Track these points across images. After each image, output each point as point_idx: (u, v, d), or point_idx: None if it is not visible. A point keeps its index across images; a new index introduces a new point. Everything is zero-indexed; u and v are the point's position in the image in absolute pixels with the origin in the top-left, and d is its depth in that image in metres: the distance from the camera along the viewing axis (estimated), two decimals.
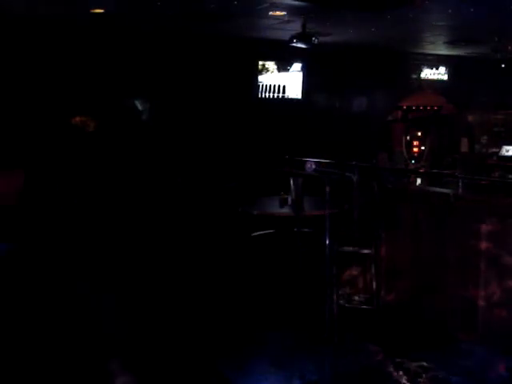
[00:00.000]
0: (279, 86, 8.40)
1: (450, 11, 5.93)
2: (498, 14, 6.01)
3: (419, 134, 10.18)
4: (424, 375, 3.76)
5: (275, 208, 5.35)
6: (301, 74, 8.50)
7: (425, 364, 3.91)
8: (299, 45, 6.75)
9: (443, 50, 9.28)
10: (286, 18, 6.31)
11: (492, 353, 4.06)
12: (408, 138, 10.13)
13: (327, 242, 3.82)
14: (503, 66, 9.44)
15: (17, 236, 6.03)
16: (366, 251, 4.74)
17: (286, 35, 6.83)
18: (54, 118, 6.74)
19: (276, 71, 8.32)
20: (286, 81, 8.43)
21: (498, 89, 9.94)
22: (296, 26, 6.68)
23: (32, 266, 5.67)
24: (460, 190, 4.64)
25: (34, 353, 4.03)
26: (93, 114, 7.08)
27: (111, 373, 3.83)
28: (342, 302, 4.82)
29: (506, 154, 9.68)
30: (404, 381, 3.70)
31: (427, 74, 10.10)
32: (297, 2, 5.50)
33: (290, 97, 8.51)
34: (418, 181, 7.68)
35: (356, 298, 4.87)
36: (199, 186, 7.30)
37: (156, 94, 7.52)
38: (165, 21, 6.64)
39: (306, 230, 5.36)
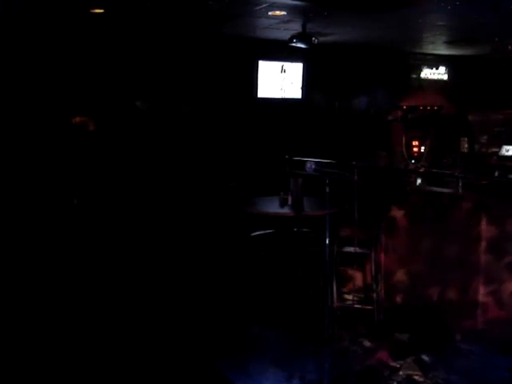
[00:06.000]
0: (279, 85, 8.40)
1: (449, 10, 5.92)
2: (498, 14, 6.00)
3: (419, 134, 10.16)
4: (424, 375, 3.77)
5: (275, 208, 5.34)
6: (301, 74, 8.49)
7: (425, 364, 3.92)
8: (299, 45, 6.75)
9: (443, 50, 9.27)
10: (286, 18, 6.31)
11: (492, 353, 4.06)
12: (408, 138, 10.10)
13: (327, 242, 3.82)
14: (503, 65, 9.43)
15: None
16: (365, 251, 4.74)
17: (286, 35, 6.83)
18: (54, 118, 6.74)
19: (276, 71, 8.32)
20: (285, 81, 8.43)
21: (498, 89, 9.94)
22: (296, 26, 6.68)
23: (32, 266, 5.68)
24: (460, 190, 4.65)
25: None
26: (93, 113, 7.07)
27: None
28: (341, 302, 4.82)
29: (506, 153, 9.66)
30: (404, 381, 3.70)
31: (427, 73, 10.09)
32: (297, 2, 5.50)
33: (289, 97, 8.50)
34: (418, 181, 7.67)
35: (356, 298, 4.87)
36: (199, 186, 7.30)
37: (156, 94, 7.51)
38: (165, 21, 6.64)
39: (305, 229, 5.36)
